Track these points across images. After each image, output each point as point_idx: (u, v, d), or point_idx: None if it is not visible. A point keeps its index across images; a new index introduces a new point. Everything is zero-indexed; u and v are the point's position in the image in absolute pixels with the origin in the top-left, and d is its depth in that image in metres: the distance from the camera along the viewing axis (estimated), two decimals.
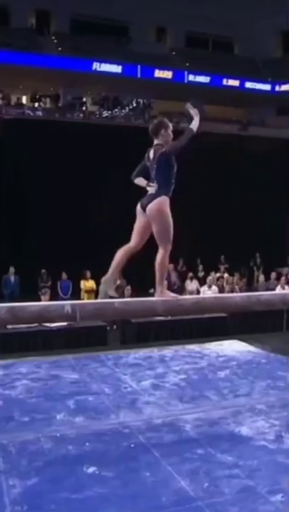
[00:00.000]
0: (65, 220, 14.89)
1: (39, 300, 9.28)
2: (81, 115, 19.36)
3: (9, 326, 7.91)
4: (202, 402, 5.02)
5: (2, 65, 19.68)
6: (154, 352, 7.00)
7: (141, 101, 21.37)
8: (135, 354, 6.84)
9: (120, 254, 3.81)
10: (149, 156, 3.83)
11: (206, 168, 16.65)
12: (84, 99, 20.91)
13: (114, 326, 9.50)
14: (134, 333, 8.63)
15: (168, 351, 7.02)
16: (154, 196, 3.70)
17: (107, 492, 3.34)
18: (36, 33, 22.11)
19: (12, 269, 12.79)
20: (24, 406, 4.91)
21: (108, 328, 9.93)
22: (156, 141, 3.84)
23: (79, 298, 12.85)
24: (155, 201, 3.68)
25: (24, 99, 21.32)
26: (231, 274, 13.54)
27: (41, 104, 20.26)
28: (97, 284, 13.03)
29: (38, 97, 20.11)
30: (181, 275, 14.41)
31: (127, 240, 4.15)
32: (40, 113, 18.87)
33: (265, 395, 5.23)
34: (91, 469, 3.65)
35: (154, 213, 3.68)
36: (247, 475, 3.55)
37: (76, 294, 12.99)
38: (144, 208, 3.73)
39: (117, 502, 3.23)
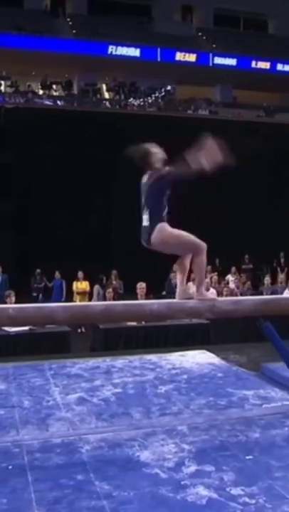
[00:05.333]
0: (64, 218, 14.93)
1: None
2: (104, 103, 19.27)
3: None
4: (120, 421, 4.84)
5: (13, 50, 20.02)
6: (106, 361, 6.85)
7: (161, 87, 21.17)
8: (82, 364, 6.71)
9: None
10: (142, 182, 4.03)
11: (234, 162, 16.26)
12: (98, 86, 20.93)
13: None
14: (103, 340, 8.50)
15: (121, 361, 6.86)
16: (149, 230, 3.88)
17: None
18: (51, 16, 22.33)
19: None
20: None
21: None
22: (150, 171, 3.98)
23: (71, 299, 12.89)
24: (153, 235, 3.87)
25: (38, 86, 21.52)
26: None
27: (52, 91, 20.38)
28: (91, 285, 13.03)
29: (48, 83, 20.26)
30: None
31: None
32: (48, 101, 18.99)
33: (197, 414, 4.99)
34: None
35: (161, 246, 3.93)
36: (112, 509, 3.35)
37: (69, 296, 13.02)
38: (149, 244, 3.92)
39: None
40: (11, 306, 4.03)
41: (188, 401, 5.34)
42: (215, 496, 3.48)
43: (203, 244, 3.99)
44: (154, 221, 3.90)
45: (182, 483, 3.67)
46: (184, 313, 4.57)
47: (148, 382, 5.96)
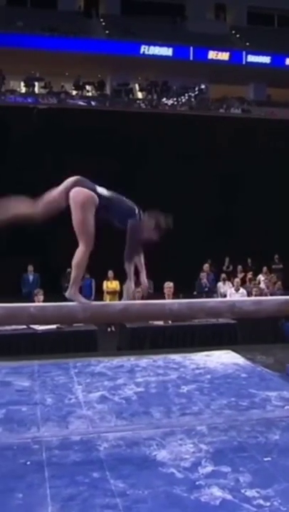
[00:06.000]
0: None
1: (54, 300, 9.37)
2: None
3: None
4: (139, 420, 4.85)
5: (47, 51, 20.24)
6: (130, 361, 6.88)
7: (193, 86, 21.07)
8: (107, 362, 6.75)
9: None
10: None
11: (262, 159, 16.15)
12: (131, 86, 20.96)
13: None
14: (129, 339, 8.53)
15: (145, 360, 6.88)
16: None
17: None
18: (84, 16, 22.51)
19: (30, 268, 13.11)
20: None
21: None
22: None
23: (102, 299, 12.95)
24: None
25: (71, 87, 21.69)
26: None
27: (85, 91, 20.52)
28: (121, 284, 13.08)
29: (81, 84, 20.40)
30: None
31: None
32: (82, 102, 19.14)
33: (217, 414, 4.96)
34: None
35: (72, 204, 3.79)
36: (125, 506, 3.37)
37: (100, 295, 13.08)
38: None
39: None
40: (33, 304, 4.09)
41: (209, 401, 5.32)
42: (229, 497, 3.47)
43: (92, 243, 3.91)
44: None
45: (197, 483, 3.67)
46: (204, 313, 4.55)
47: (171, 381, 5.96)
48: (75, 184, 3.80)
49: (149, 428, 4.65)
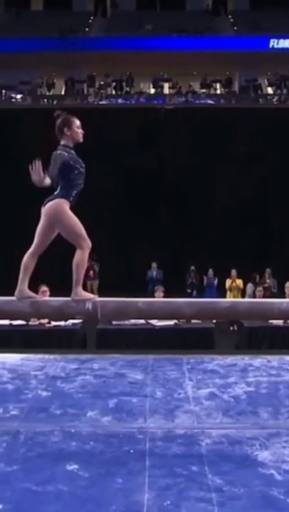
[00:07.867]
0: (219, 214, 15.05)
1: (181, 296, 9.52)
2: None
3: (114, 322, 8.49)
4: (246, 419, 4.82)
5: (175, 52, 20.63)
6: (244, 360, 6.81)
7: None
8: (220, 360, 6.74)
9: (26, 260, 3.93)
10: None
11: None
12: (259, 82, 20.58)
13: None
14: (247, 339, 8.43)
15: (259, 360, 6.76)
16: (54, 196, 3.87)
17: (66, 490, 3.55)
18: (212, 14, 22.55)
19: (154, 264, 13.46)
20: (67, 400, 5.31)
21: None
22: (61, 142, 3.94)
23: (225, 297, 12.94)
24: (51, 202, 3.85)
25: (199, 86, 21.83)
26: None
27: (213, 90, 20.53)
28: (245, 283, 12.97)
29: (208, 82, 20.44)
30: None
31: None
32: (210, 101, 19.19)
33: None
34: (72, 467, 3.87)
35: (50, 215, 3.85)
36: (220, 502, 3.40)
37: (223, 293, 13.08)
38: (44, 207, 3.91)
39: (66, 500, 3.42)
40: (142, 299, 4.25)
41: None
42: None
43: (89, 242, 3.85)
44: (60, 193, 3.84)
45: None
46: None
47: (283, 383, 5.82)
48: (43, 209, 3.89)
49: (254, 428, 4.61)
